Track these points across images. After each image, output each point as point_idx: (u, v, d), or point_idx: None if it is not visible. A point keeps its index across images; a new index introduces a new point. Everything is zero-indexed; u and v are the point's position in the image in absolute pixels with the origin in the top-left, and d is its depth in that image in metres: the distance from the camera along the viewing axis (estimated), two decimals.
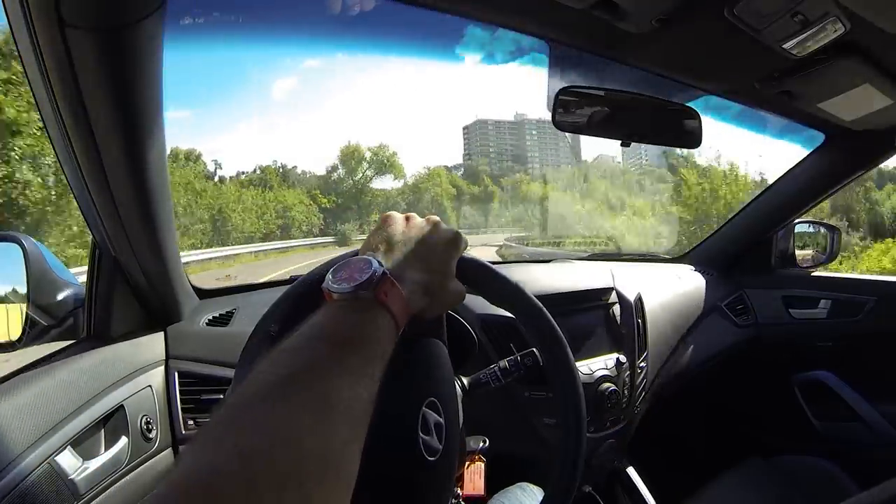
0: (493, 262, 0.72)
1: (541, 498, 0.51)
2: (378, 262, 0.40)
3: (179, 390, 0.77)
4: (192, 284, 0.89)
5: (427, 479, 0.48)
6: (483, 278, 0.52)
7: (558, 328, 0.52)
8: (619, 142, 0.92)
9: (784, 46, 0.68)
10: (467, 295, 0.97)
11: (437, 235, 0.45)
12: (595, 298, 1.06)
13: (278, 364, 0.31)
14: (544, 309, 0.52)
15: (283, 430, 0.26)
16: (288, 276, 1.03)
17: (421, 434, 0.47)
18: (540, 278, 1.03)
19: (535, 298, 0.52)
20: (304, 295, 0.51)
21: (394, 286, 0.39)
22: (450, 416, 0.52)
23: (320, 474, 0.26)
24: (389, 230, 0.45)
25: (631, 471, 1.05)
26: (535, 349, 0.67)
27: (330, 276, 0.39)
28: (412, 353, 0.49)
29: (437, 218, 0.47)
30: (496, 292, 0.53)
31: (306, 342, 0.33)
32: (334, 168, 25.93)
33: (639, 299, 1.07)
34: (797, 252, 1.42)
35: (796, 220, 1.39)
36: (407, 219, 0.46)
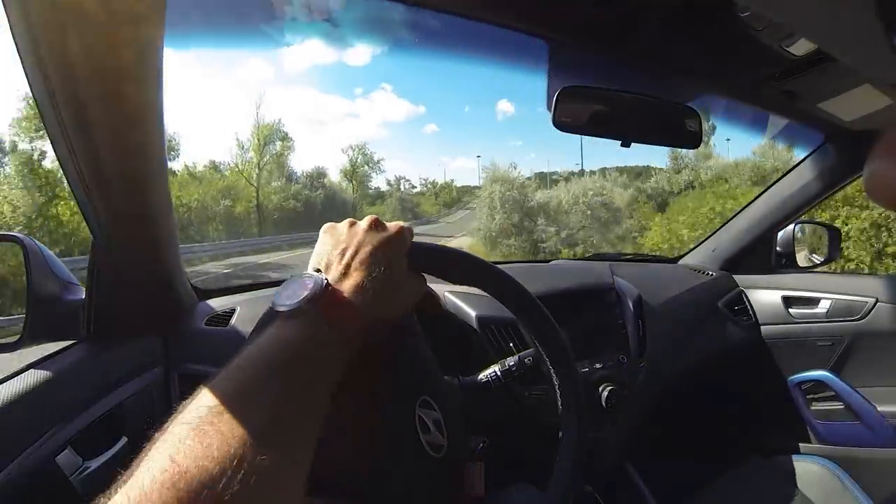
0: (497, 262, 0.72)
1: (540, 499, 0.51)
2: (321, 275, 0.40)
3: (179, 390, 0.77)
4: (191, 284, 0.89)
5: (438, 475, 0.48)
6: (436, 261, 0.50)
7: (526, 289, 0.51)
8: (619, 142, 0.92)
9: (784, 46, 0.68)
10: (466, 295, 0.97)
11: (379, 235, 0.45)
12: (595, 298, 1.06)
13: (211, 391, 0.31)
14: (505, 273, 0.51)
15: (205, 463, 0.26)
16: (289, 276, 1.03)
17: (421, 434, 0.47)
18: (539, 279, 1.03)
19: (494, 266, 0.51)
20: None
21: (338, 298, 0.39)
22: (446, 408, 0.52)
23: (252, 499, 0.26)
24: (331, 241, 0.45)
25: (631, 471, 1.05)
26: (532, 346, 0.66)
27: (276, 295, 0.39)
28: (391, 359, 0.49)
29: (376, 217, 0.47)
30: (453, 271, 0.51)
31: (239, 370, 0.33)
32: None
33: (639, 299, 1.07)
34: (797, 252, 1.42)
35: (796, 220, 1.39)
36: (349, 225, 0.46)
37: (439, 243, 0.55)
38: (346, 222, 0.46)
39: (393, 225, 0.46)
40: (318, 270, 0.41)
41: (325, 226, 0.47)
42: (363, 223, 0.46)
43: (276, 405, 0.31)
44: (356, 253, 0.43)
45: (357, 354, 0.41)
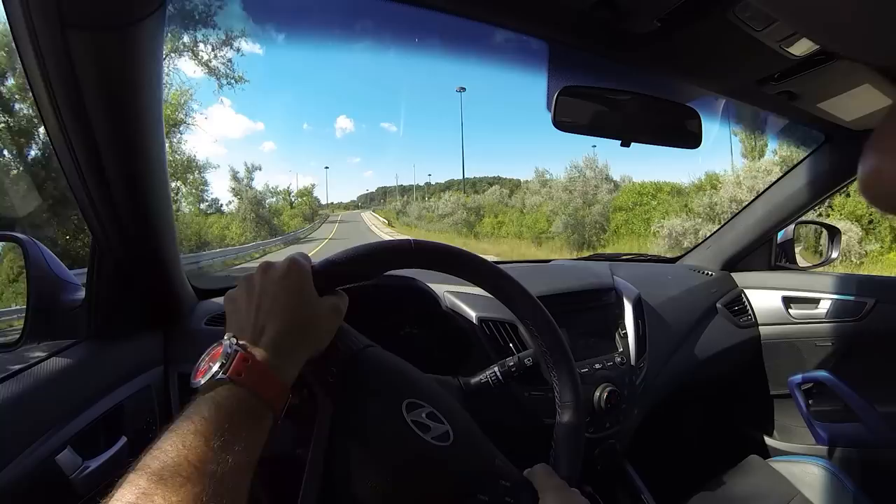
0: (499, 262, 0.71)
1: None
2: (230, 341, 0.40)
3: (179, 390, 0.77)
4: (191, 284, 0.89)
5: (456, 459, 0.48)
6: (343, 271, 0.50)
7: (472, 253, 0.53)
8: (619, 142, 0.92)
9: (784, 46, 0.68)
10: (466, 295, 0.97)
11: (270, 278, 0.45)
12: (595, 298, 1.06)
13: (137, 471, 0.33)
14: (433, 241, 0.53)
15: None
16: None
17: (422, 435, 0.47)
18: (539, 279, 1.03)
19: (400, 242, 0.52)
20: None
21: (247, 360, 0.39)
22: (435, 398, 0.51)
23: None
24: (234, 306, 0.45)
25: (631, 471, 1.05)
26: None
27: (193, 370, 0.40)
28: (355, 380, 0.48)
29: (264, 262, 0.47)
30: (364, 269, 0.52)
31: (165, 443, 0.35)
32: None
33: (638, 299, 1.07)
34: (797, 252, 1.43)
35: (796, 220, 1.39)
36: (246, 283, 0.46)
37: None
38: (241, 282, 0.46)
39: (282, 263, 0.46)
40: (234, 336, 0.41)
41: (226, 294, 0.47)
42: (256, 275, 0.46)
43: (195, 479, 0.32)
44: (259, 307, 0.43)
45: (319, 396, 0.42)
